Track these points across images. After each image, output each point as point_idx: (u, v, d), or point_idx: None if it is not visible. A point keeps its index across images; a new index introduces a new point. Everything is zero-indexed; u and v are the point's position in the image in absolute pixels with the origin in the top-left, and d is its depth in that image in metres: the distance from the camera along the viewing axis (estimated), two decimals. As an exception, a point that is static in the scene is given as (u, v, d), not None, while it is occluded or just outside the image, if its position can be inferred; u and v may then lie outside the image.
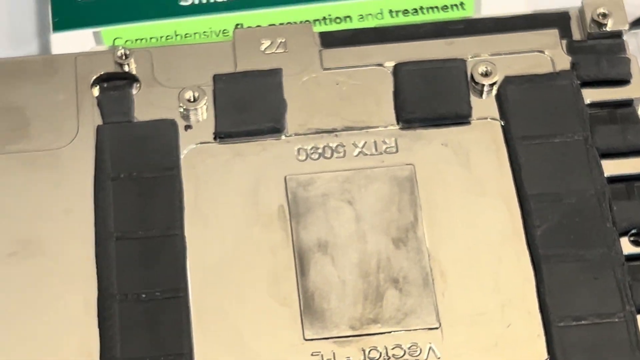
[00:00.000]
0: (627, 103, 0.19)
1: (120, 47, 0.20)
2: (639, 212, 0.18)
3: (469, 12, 0.22)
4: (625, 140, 0.18)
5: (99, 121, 0.19)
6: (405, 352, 0.16)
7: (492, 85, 0.19)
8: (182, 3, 0.23)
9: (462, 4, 0.22)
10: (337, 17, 0.23)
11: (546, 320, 0.17)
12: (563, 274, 0.17)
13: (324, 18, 0.23)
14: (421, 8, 0.22)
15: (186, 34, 0.23)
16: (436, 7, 0.22)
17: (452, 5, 0.22)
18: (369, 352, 0.16)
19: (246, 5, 0.23)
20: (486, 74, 0.19)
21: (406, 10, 0.23)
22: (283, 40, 0.20)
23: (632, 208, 0.18)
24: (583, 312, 0.17)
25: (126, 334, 0.16)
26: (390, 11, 0.23)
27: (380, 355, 0.16)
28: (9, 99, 0.19)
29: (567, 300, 0.17)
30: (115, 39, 0.22)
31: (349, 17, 0.23)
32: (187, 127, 0.18)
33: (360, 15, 0.23)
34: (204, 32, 0.23)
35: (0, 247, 0.17)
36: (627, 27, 0.20)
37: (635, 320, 0.16)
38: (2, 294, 0.17)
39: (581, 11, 0.20)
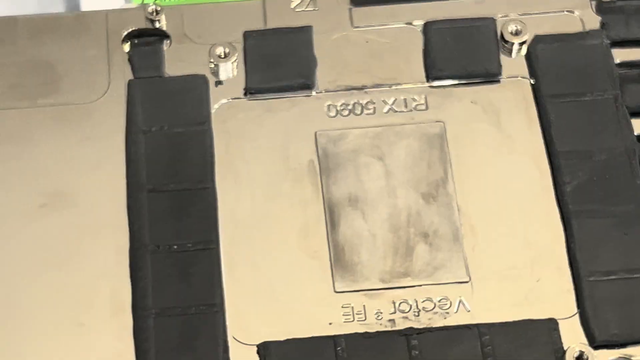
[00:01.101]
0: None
1: (152, 4, 0.19)
2: None
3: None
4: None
5: (130, 76, 0.18)
6: (435, 305, 0.16)
7: (521, 44, 0.19)
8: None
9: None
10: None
11: (576, 275, 0.16)
12: (593, 230, 0.17)
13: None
14: None
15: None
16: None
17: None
18: (399, 304, 0.16)
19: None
20: (516, 33, 0.19)
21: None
22: None
23: None
24: (613, 267, 0.16)
25: (158, 284, 0.16)
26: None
27: (410, 308, 0.16)
28: (40, 54, 0.19)
29: (596, 255, 0.16)
30: (144, -2, 0.22)
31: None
32: (218, 82, 0.18)
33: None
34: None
35: (32, 198, 0.17)
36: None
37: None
38: (33, 245, 0.16)
39: (610, -27, 0.19)
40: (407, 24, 0.19)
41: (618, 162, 0.18)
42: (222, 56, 0.18)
